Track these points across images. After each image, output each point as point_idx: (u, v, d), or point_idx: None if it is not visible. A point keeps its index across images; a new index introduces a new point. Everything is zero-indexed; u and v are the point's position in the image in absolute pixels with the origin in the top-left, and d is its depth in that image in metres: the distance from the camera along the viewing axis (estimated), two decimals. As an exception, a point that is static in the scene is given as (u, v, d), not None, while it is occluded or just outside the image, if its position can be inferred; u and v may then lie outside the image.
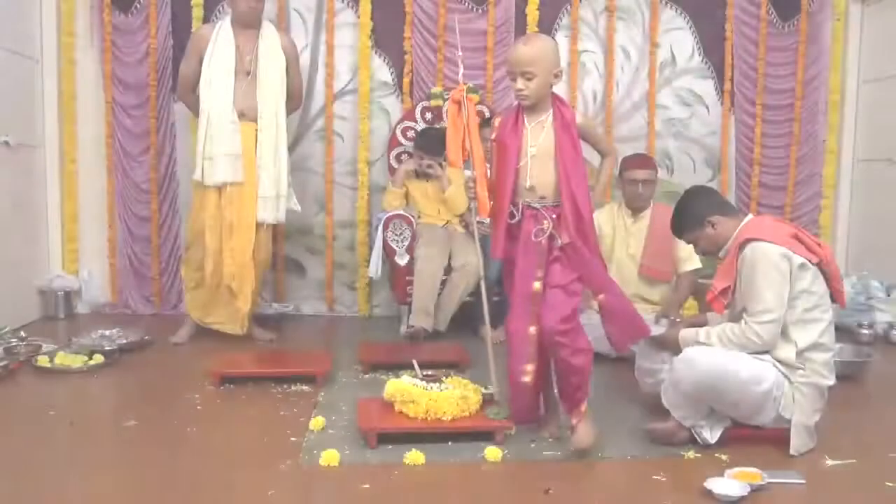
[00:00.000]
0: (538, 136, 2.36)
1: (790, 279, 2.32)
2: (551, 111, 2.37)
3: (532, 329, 2.36)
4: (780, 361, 2.34)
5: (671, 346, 2.55)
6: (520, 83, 2.32)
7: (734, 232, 2.49)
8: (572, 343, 2.31)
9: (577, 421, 2.35)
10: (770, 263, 2.32)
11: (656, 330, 2.69)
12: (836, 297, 2.46)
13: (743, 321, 2.35)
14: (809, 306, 2.34)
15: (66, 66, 4.29)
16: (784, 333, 2.34)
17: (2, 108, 3.87)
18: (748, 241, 2.39)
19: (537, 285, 2.35)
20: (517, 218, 2.39)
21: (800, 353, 2.34)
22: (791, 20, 4.66)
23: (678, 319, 3.00)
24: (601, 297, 2.37)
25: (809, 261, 2.35)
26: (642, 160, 3.73)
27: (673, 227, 2.67)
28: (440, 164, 4.10)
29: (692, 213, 2.57)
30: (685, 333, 2.49)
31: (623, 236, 3.68)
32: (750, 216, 2.54)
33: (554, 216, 2.35)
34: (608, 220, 3.70)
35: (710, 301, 2.47)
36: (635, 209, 3.68)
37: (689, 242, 2.67)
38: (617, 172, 3.67)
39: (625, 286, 3.63)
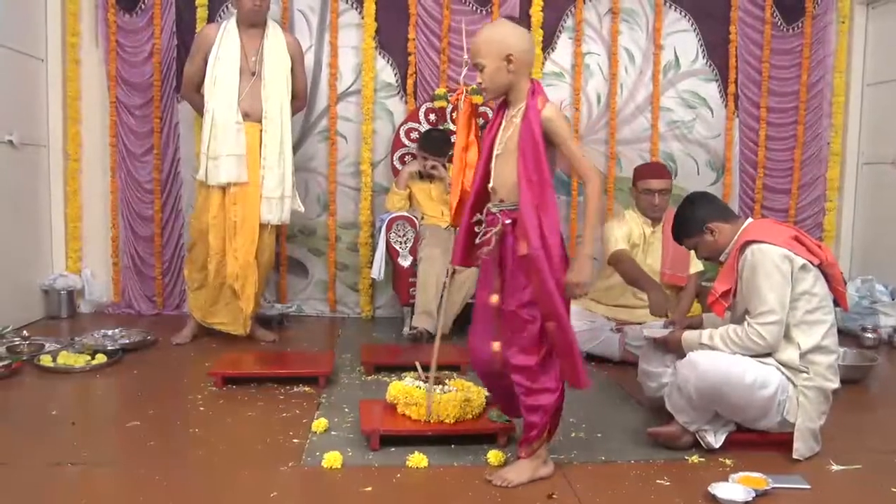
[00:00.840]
0: (507, 133, 2.14)
1: (791, 280, 2.31)
2: (525, 103, 2.11)
3: (495, 345, 2.17)
4: (783, 364, 2.33)
5: (674, 348, 2.55)
6: (478, 76, 2.13)
7: (734, 237, 2.47)
8: (532, 383, 2.10)
9: (522, 456, 2.17)
10: (772, 264, 2.31)
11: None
12: (838, 299, 2.45)
13: (746, 323, 2.34)
14: (811, 308, 2.33)
15: (70, 66, 4.30)
16: (786, 335, 2.33)
17: (7, 107, 3.88)
18: (749, 243, 2.38)
19: (495, 298, 2.17)
20: (483, 224, 2.19)
21: (803, 356, 2.32)
22: (795, 23, 4.65)
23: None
24: (549, 324, 2.07)
25: (810, 262, 2.34)
26: (657, 169, 3.64)
27: (673, 234, 2.66)
28: (444, 166, 4.09)
29: (692, 220, 2.55)
30: (688, 336, 2.48)
31: (643, 246, 3.58)
32: (749, 220, 2.53)
33: (508, 221, 2.12)
34: (636, 226, 3.57)
35: (711, 304, 2.45)
36: (653, 219, 3.56)
37: (689, 249, 2.66)
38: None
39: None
